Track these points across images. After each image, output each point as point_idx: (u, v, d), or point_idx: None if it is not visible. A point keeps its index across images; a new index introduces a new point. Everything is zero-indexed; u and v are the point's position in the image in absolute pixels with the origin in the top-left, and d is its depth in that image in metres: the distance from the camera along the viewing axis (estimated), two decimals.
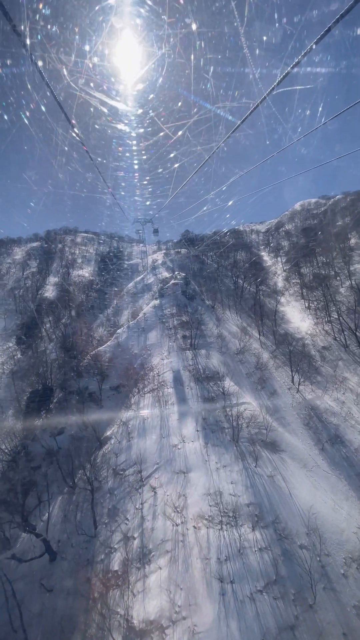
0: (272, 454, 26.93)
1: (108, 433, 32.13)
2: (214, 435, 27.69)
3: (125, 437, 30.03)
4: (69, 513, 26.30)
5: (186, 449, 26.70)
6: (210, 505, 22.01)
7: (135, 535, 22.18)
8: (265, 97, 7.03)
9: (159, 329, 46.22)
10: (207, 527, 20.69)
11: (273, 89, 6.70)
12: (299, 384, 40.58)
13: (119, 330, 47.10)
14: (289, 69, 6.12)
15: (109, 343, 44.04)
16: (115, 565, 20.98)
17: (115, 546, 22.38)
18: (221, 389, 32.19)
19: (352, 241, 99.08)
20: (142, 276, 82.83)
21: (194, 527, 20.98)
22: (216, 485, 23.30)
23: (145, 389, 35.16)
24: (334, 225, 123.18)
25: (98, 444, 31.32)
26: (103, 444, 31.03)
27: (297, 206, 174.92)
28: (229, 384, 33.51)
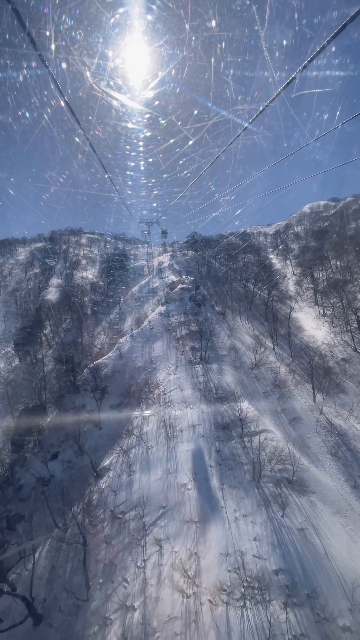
0: (300, 497, 22.53)
1: (106, 462, 27.98)
2: (230, 473, 23.39)
3: (126, 470, 25.85)
4: (58, 563, 22.18)
5: (198, 490, 22.44)
6: (229, 571, 17.73)
7: (136, 605, 17.98)
8: (273, 99, 7.06)
9: (165, 339, 42.07)
10: (226, 604, 16.41)
11: (281, 90, 6.70)
12: (322, 405, 36.04)
13: (121, 340, 43.04)
14: (296, 72, 6.16)
15: (110, 354, 40.01)
16: None
17: (112, 617, 18.18)
18: (237, 414, 27.88)
19: None
20: (147, 279, 78.88)
21: (210, 601, 16.72)
22: (236, 542, 19.02)
23: (151, 410, 30.99)
24: (347, 228, 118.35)
25: (95, 475, 27.20)
26: (100, 475, 26.89)
27: (306, 208, 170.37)
28: (246, 407, 29.19)
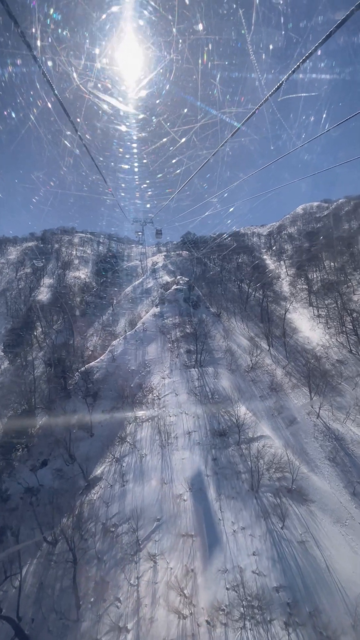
0: (300, 507, 21.78)
1: (98, 471, 26.85)
2: (227, 482, 22.51)
3: (118, 480, 24.78)
4: (47, 581, 21.00)
5: (194, 501, 21.51)
6: (227, 589, 16.85)
7: (129, 626, 16.95)
8: (264, 102, 7.19)
9: (160, 342, 41.04)
10: (225, 625, 15.52)
11: (272, 94, 6.80)
12: (319, 408, 35.49)
13: (114, 342, 41.87)
14: (285, 76, 6.26)
15: (102, 357, 38.82)
16: None
17: (103, 639, 17.11)
18: (234, 419, 27.04)
19: None
20: (141, 280, 77.68)
21: (207, 622, 15.81)
22: (234, 557, 18.15)
23: (144, 416, 29.96)
24: (340, 229, 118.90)
25: (86, 484, 26.07)
26: (92, 485, 25.76)
27: (299, 209, 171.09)
28: (243, 412, 28.37)
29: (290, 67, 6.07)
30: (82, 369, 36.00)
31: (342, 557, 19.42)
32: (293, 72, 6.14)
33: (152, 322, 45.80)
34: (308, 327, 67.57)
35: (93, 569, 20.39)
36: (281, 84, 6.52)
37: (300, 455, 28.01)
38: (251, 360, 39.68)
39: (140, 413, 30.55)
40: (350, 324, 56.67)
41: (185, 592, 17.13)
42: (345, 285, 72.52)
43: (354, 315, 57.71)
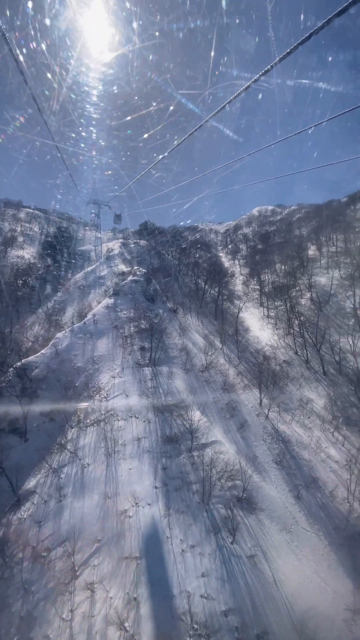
0: (249, 516, 21.32)
1: (31, 484, 23.43)
2: (178, 494, 21.07)
3: (54, 494, 21.79)
4: None
5: (140, 517, 19.64)
6: (173, 618, 15.42)
7: None
8: (231, 101, 7.12)
9: (112, 337, 37.93)
10: None
11: (238, 95, 6.86)
12: (268, 410, 36.13)
13: (59, 335, 37.58)
14: (256, 77, 6.22)
15: (44, 351, 34.47)
16: None
17: None
18: (187, 424, 25.70)
19: (310, 252, 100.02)
20: (94, 266, 72.35)
21: None
22: (182, 580, 16.77)
23: (89, 420, 27.08)
24: (291, 234, 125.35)
25: (15, 500, 22.54)
26: (22, 501, 22.35)
27: (255, 211, 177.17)
28: (197, 416, 27.15)
29: (260, 72, 5.93)
30: (18, 363, 31.45)
31: (287, 567, 19.35)
32: (264, 73, 5.91)
33: (105, 314, 42.30)
34: (258, 326, 69.72)
35: (18, 603, 17.41)
36: (249, 86, 6.50)
37: (251, 460, 27.88)
38: (206, 360, 38.88)
39: (85, 416, 27.59)
40: (297, 326, 59.70)
41: (127, 625, 15.29)
42: (295, 289, 76.28)
43: (301, 318, 60.83)
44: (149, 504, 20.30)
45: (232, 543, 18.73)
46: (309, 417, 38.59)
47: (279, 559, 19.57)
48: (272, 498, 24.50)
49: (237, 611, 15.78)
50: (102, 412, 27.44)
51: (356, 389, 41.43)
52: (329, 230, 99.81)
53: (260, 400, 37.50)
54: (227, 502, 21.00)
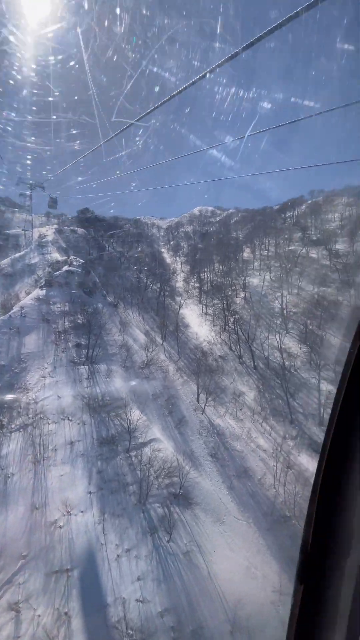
0: (185, 512, 21.69)
1: None
2: (113, 497, 20.29)
3: None
4: None
5: (72, 526, 18.36)
6: (107, 627, 14.78)
7: None
8: (172, 97, 6.81)
9: (42, 332, 34.61)
10: None
11: (180, 91, 6.55)
12: (205, 404, 37.38)
13: None
14: (196, 78, 5.98)
15: None
16: None
17: None
18: (126, 424, 24.92)
19: (245, 255, 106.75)
20: (23, 252, 65.32)
21: None
22: (117, 587, 16.18)
23: (13, 425, 24.28)
24: (229, 236, 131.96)
25: None
26: None
27: (196, 210, 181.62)
28: (136, 415, 26.53)
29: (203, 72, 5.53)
30: None
31: (221, 558, 20.20)
32: (207, 72, 5.60)
33: (35, 307, 38.38)
34: (197, 323, 71.85)
35: None
36: (189, 85, 6.13)
37: (188, 455, 28.44)
38: (147, 356, 38.37)
39: (9, 421, 24.70)
40: (232, 323, 63.28)
41: None
42: (231, 288, 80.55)
43: (236, 316, 64.67)
44: (82, 511, 19.11)
45: (168, 541, 18.79)
46: (241, 409, 41.07)
47: (214, 552, 20.33)
48: (207, 491, 25.38)
49: (172, 611, 15.87)
50: (30, 416, 24.89)
51: (282, 382, 45.66)
52: (262, 235, 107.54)
53: (198, 395, 38.60)
54: (164, 500, 21.01)
